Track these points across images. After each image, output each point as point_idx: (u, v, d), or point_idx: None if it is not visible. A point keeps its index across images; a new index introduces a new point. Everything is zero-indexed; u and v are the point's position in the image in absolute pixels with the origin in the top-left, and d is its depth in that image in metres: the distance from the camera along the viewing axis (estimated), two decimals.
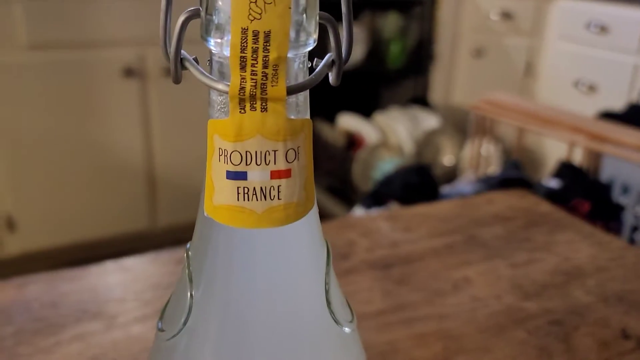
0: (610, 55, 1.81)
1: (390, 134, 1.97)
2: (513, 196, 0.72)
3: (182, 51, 0.16)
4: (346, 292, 0.21)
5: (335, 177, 2.02)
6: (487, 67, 2.08)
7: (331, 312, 0.18)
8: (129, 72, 1.61)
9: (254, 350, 0.17)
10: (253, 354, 0.17)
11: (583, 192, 0.96)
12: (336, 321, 0.18)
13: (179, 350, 0.17)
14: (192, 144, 1.68)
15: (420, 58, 2.14)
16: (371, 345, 0.43)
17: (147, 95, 1.67)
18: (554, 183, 1.00)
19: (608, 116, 1.42)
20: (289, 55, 0.15)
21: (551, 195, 0.91)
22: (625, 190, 1.16)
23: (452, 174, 1.92)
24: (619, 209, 0.98)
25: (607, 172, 1.16)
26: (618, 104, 1.63)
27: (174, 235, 1.78)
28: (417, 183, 1.03)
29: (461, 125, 2.05)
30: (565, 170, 1.03)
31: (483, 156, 1.29)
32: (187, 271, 0.17)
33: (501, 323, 0.47)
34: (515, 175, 0.98)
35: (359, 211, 1.07)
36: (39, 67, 1.53)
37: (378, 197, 1.04)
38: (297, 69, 0.17)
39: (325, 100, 2.00)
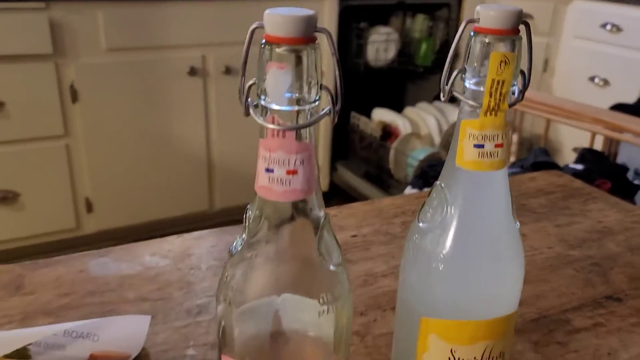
0: (624, 52, 1.94)
1: (422, 125, 2.12)
2: (551, 175, 0.88)
3: (454, 92, 0.33)
4: None
5: (372, 165, 2.18)
6: None
7: (514, 217, 0.35)
8: (192, 72, 1.77)
9: (477, 235, 0.34)
10: (477, 237, 0.34)
11: (603, 174, 1.11)
12: (515, 221, 0.35)
13: (435, 234, 0.33)
14: (246, 134, 1.83)
15: (447, 56, 2.28)
16: None
17: (208, 92, 1.83)
18: (578, 167, 1.15)
19: (621, 108, 1.56)
20: None
21: (577, 176, 1.06)
22: (638, 174, 1.30)
23: None
24: (636, 188, 1.13)
25: (622, 157, 1.30)
26: (631, 97, 1.77)
27: (228, 215, 1.95)
28: None
29: None
30: (588, 155, 1.18)
31: (513, 143, 1.44)
32: (443, 194, 0.34)
33: (554, 265, 0.63)
34: (545, 160, 1.13)
35: (409, 191, 1.23)
36: (115, 67, 1.69)
37: (426, 178, 1.20)
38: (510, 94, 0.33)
39: (362, 96, 2.16)
